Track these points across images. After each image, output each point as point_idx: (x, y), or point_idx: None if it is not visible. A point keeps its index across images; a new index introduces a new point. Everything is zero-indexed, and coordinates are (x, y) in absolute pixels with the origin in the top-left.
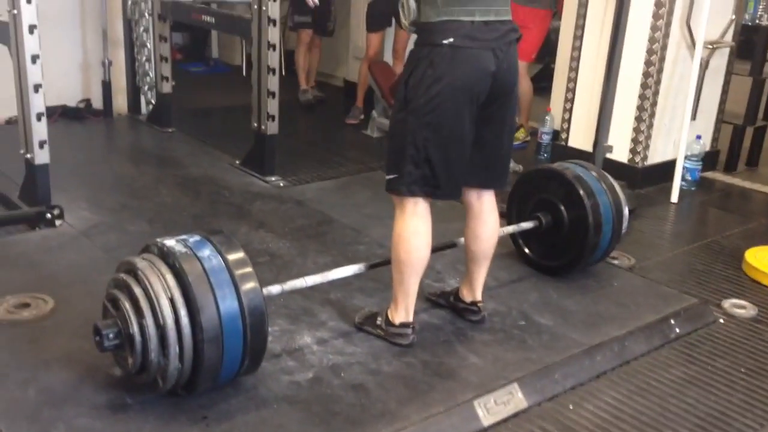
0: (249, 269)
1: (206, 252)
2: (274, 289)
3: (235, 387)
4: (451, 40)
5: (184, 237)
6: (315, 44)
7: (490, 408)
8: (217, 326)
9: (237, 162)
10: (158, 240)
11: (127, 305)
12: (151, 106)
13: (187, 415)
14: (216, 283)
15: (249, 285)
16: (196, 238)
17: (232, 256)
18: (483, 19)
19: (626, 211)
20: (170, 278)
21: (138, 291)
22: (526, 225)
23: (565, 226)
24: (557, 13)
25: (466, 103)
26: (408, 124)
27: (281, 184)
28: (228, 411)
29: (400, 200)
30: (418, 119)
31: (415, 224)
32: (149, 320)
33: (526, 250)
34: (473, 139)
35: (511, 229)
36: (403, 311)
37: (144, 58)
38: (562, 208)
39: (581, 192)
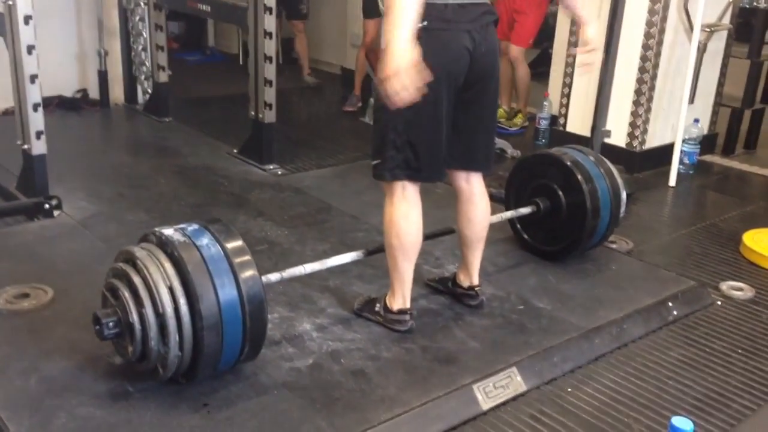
0: (247, 257)
1: (205, 240)
2: (273, 276)
3: (236, 374)
4: (425, 23)
5: (182, 226)
6: (298, 29)
7: (489, 392)
8: (216, 314)
9: (235, 151)
10: (156, 229)
11: (126, 294)
12: (147, 96)
13: (188, 403)
14: (215, 272)
15: (248, 273)
16: (195, 226)
17: (231, 245)
18: (458, 1)
19: (624, 195)
20: (169, 267)
21: (137, 280)
22: (525, 210)
23: (563, 211)
24: None
25: (444, 86)
26: (388, 108)
27: (279, 173)
28: (228, 398)
29: (388, 186)
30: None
31: (404, 209)
32: (149, 309)
33: (525, 236)
34: (453, 123)
35: (509, 214)
36: (401, 297)
37: (140, 48)
38: (560, 193)
39: (579, 177)
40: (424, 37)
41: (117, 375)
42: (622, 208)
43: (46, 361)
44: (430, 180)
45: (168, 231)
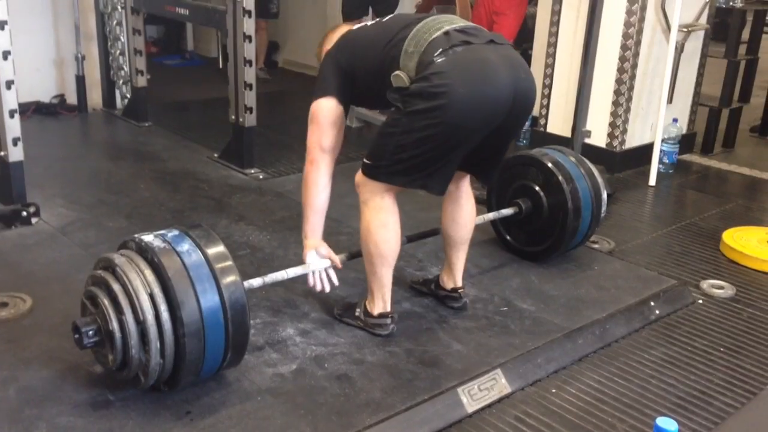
0: (229, 262)
1: (185, 246)
2: (256, 282)
3: (219, 381)
4: (439, 50)
5: (162, 232)
6: (260, 27)
7: (474, 394)
8: (198, 321)
9: (215, 155)
10: (136, 235)
11: (105, 302)
12: (126, 101)
13: (170, 411)
14: (196, 278)
15: (229, 278)
16: (175, 232)
17: (212, 250)
18: (454, 27)
19: (605, 195)
20: (149, 273)
21: (116, 287)
22: (506, 211)
23: (544, 212)
24: None
25: (471, 131)
26: (401, 130)
27: (260, 177)
28: (211, 405)
29: (368, 191)
30: (414, 125)
31: (382, 217)
32: (129, 317)
33: (507, 237)
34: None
35: (491, 215)
36: (380, 302)
37: (118, 52)
38: (542, 194)
39: (560, 178)
40: (447, 61)
41: (97, 384)
42: (603, 209)
43: (26, 371)
44: (428, 191)
45: (148, 237)
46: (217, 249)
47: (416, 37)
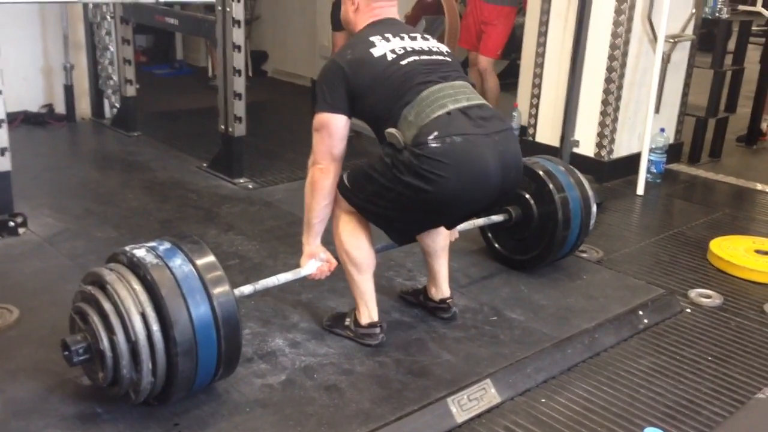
0: (220, 273)
1: (177, 261)
2: (246, 289)
3: (208, 393)
4: (436, 133)
5: (153, 245)
6: None
7: (464, 404)
8: (191, 339)
9: (204, 165)
10: (126, 249)
11: (96, 320)
12: (115, 110)
13: (159, 424)
14: (188, 294)
15: (221, 291)
16: (166, 245)
17: (203, 263)
18: (459, 106)
19: (594, 206)
20: (141, 291)
21: (108, 306)
22: (496, 218)
23: (534, 221)
24: (522, 10)
25: (454, 209)
26: (386, 180)
27: (250, 186)
28: (200, 417)
29: (341, 208)
30: (397, 187)
31: (352, 227)
32: (120, 336)
33: (495, 245)
34: None
35: (481, 221)
36: (366, 311)
37: (107, 62)
38: (532, 202)
39: (551, 187)
40: (434, 157)
41: (85, 396)
42: (592, 220)
43: (12, 383)
44: (390, 238)
45: (140, 252)
46: (208, 260)
47: (418, 107)
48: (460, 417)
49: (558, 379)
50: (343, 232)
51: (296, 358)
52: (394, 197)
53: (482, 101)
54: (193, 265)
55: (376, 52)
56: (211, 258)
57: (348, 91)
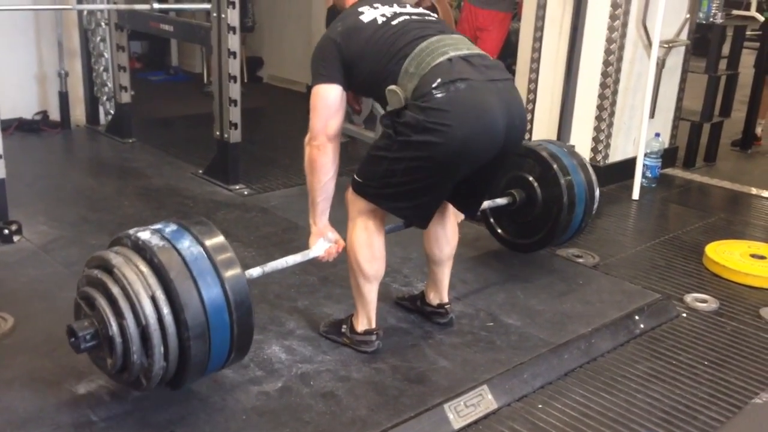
0: (230, 254)
1: (185, 243)
2: (255, 271)
3: (203, 400)
4: (439, 80)
5: (158, 227)
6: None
7: (461, 411)
8: (203, 322)
9: (200, 171)
10: (130, 232)
11: (103, 304)
12: (110, 117)
13: (155, 431)
14: (199, 276)
15: (233, 273)
16: (173, 227)
17: (213, 243)
18: (460, 53)
19: (597, 191)
20: (149, 274)
21: (116, 290)
22: (500, 201)
23: (538, 204)
24: (517, 15)
25: (459, 166)
26: (392, 154)
27: (246, 193)
28: (196, 425)
29: (356, 211)
30: (404, 154)
31: (366, 237)
32: (130, 321)
33: (498, 229)
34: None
35: (485, 204)
36: (365, 318)
37: (101, 68)
38: (536, 185)
39: (556, 169)
40: (435, 107)
41: (80, 404)
42: (596, 205)
43: (7, 391)
44: (413, 224)
45: (144, 234)
46: (218, 241)
47: (418, 57)
48: (457, 423)
49: (555, 384)
50: (356, 242)
51: (293, 365)
52: (404, 169)
53: (483, 52)
54: (203, 246)
55: (366, 18)
56: (220, 239)
57: (342, 62)
